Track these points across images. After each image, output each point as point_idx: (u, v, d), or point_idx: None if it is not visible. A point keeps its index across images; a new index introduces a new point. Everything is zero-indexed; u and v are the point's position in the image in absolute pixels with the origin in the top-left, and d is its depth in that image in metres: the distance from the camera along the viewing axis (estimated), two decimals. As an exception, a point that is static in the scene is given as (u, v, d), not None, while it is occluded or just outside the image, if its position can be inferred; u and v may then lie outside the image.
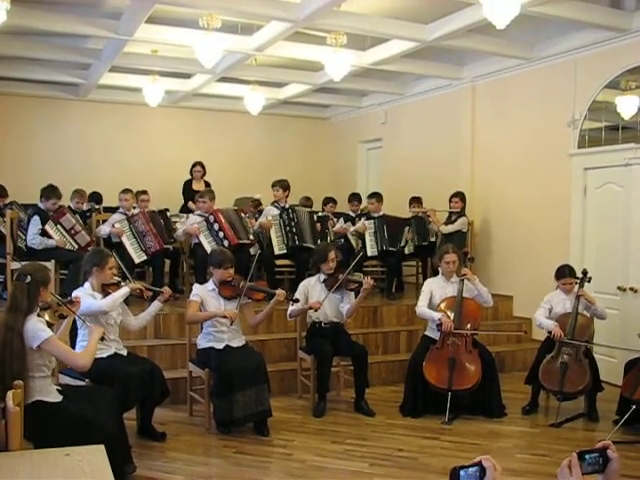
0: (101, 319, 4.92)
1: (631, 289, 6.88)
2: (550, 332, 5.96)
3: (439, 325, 5.94)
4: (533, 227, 8.13)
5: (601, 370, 6.05)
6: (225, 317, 5.42)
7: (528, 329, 7.97)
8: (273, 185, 8.28)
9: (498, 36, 7.29)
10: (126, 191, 8.04)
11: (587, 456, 1.92)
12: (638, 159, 6.84)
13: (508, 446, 5.31)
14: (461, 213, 8.55)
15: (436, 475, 4.63)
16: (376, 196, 8.71)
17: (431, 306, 6.19)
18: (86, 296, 4.83)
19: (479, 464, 1.85)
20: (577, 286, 6.02)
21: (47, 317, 4.04)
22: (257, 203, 9.43)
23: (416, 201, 9.18)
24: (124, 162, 10.69)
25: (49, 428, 3.78)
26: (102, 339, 4.48)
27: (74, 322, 4.87)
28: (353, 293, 6.17)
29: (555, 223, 7.80)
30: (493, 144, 8.83)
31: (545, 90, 7.98)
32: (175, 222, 8.35)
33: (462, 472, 1.83)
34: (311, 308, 6.06)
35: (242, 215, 7.93)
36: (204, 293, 5.64)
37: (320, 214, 8.61)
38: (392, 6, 7.11)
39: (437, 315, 6.01)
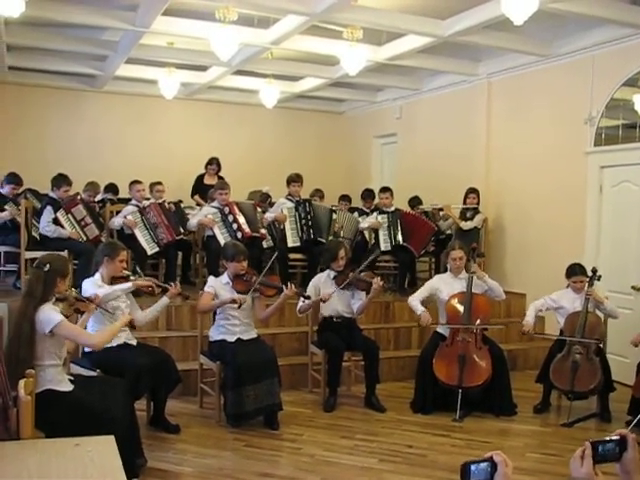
0: (110, 310, 4.92)
1: (645, 289, 6.84)
2: None
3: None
4: (548, 225, 8.07)
5: (614, 370, 6.01)
6: (235, 302, 5.43)
7: (540, 327, 7.94)
8: (294, 180, 8.21)
9: (515, 32, 7.22)
10: (137, 182, 8.05)
11: (600, 447, 1.90)
12: (655, 158, 6.80)
13: (519, 445, 5.29)
14: (477, 209, 8.54)
15: (445, 472, 4.62)
16: (389, 190, 8.69)
17: (438, 302, 6.22)
18: (92, 287, 4.85)
19: (490, 459, 1.84)
20: (586, 284, 5.98)
21: (62, 308, 4.06)
22: (265, 196, 9.42)
23: (416, 201, 9.21)
24: (138, 154, 10.68)
25: (59, 417, 3.80)
26: (132, 327, 4.55)
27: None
28: (364, 291, 6.17)
29: (570, 221, 7.74)
30: (508, 141, 8.77)
31: (562, 87, 7.91)
32: (188, 214, 8.37)
33: (473, 467, 1.81)
34: (322, 300, 6.06)
35: (257, 209, 7.95)
36: (218, 286, 5.65)
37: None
38: (409, 1, 7.06)
39: (419, 310, 6.11)
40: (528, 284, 8.31)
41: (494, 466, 1.83)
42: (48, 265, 3.96)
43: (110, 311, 4.78)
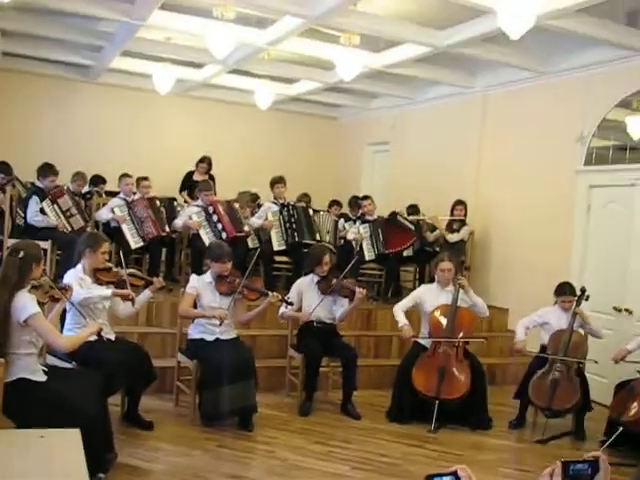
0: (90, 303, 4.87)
1: (626, 310, 6.84)
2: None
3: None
4: (534, 241, 8.07)
5: (591, 390, 6.00)
6: (215, 318, 5.42)
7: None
8: (277, 182, 8.20)
9: (512, 47, 7.25)
10: (127, 176, 8.00)
11: (571, 466, 1.88)
12: (644, 180, 6.82)
13: (492, 459, 5.27)
14: (464, 222, 8.53)
15: (417, 483, 4.60)
16: (369, 198, 8.79)
17: (422, 313, 6.19)
18: (74, 280, 4.79)
19: (454, 473, 1.81)
20: (574, 303, 5.98)
21: (38, 296, 4.02)
22: (255, 197, 9.39)
23: (413, 209, 9.19)
24: (131, 148, 10.62)
25: (31, 407, 3.77)
26: (98, 335, 4.48)
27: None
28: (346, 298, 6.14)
29: (557, 239, 7.75)
30: (500, 155, 8.78)
31: (556, 105, 7.92)
32: (178, 211, 8.33)
33: None
34: (300, 319, 6.14)
35: (235, 206, 7.88)
36: (201, 285, 5.61)
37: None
38: (408, 9, 7.06)
39: (401, 322, 6.07)
40: (511, 299, 8.31)
41: None
42: (22, 252, 3.93)
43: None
